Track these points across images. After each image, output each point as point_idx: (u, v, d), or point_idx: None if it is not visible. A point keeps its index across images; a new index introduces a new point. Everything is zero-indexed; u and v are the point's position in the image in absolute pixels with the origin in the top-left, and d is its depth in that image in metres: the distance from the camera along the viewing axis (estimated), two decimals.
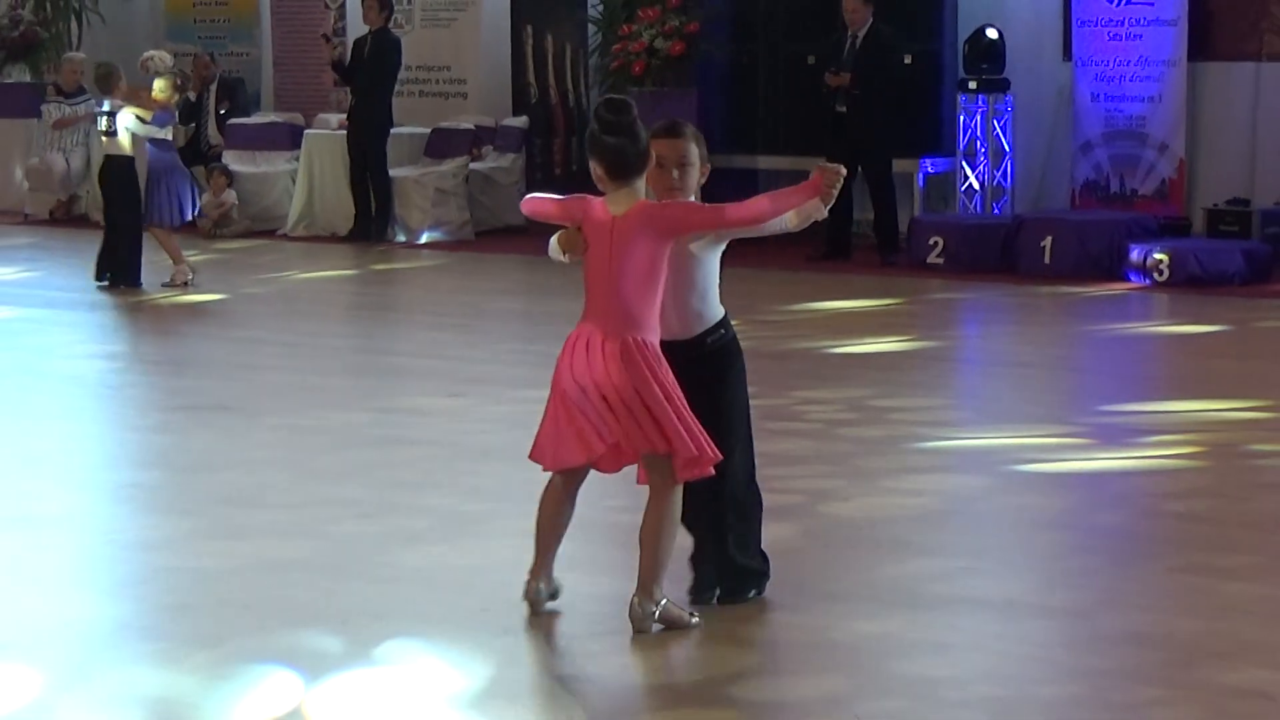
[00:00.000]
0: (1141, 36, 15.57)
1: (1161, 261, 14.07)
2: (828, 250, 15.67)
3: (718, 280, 6.17)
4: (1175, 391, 10.49)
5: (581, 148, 18.34)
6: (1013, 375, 11.03)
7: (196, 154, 18.39)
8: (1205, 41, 15.58)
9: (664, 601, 6.00)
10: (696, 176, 6.14)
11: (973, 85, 16.06)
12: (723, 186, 18.98)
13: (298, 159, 18.30)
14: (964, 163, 16.23)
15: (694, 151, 6.10)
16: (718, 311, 6.19)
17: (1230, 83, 15.54)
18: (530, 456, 6.09)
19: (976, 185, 16.20)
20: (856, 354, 11.35)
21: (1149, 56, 15.56)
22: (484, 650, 5.80)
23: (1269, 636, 5.89)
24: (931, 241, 15.20)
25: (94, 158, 19.23)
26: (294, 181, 18.27)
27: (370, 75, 17.35)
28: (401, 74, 18.36)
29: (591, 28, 17.69)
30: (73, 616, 6.22)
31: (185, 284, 14.26)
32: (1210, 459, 8.48)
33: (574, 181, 18.05)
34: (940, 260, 15.10)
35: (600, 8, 17.49)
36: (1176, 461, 8.46)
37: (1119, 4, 15.64)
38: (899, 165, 15.72)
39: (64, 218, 19.38)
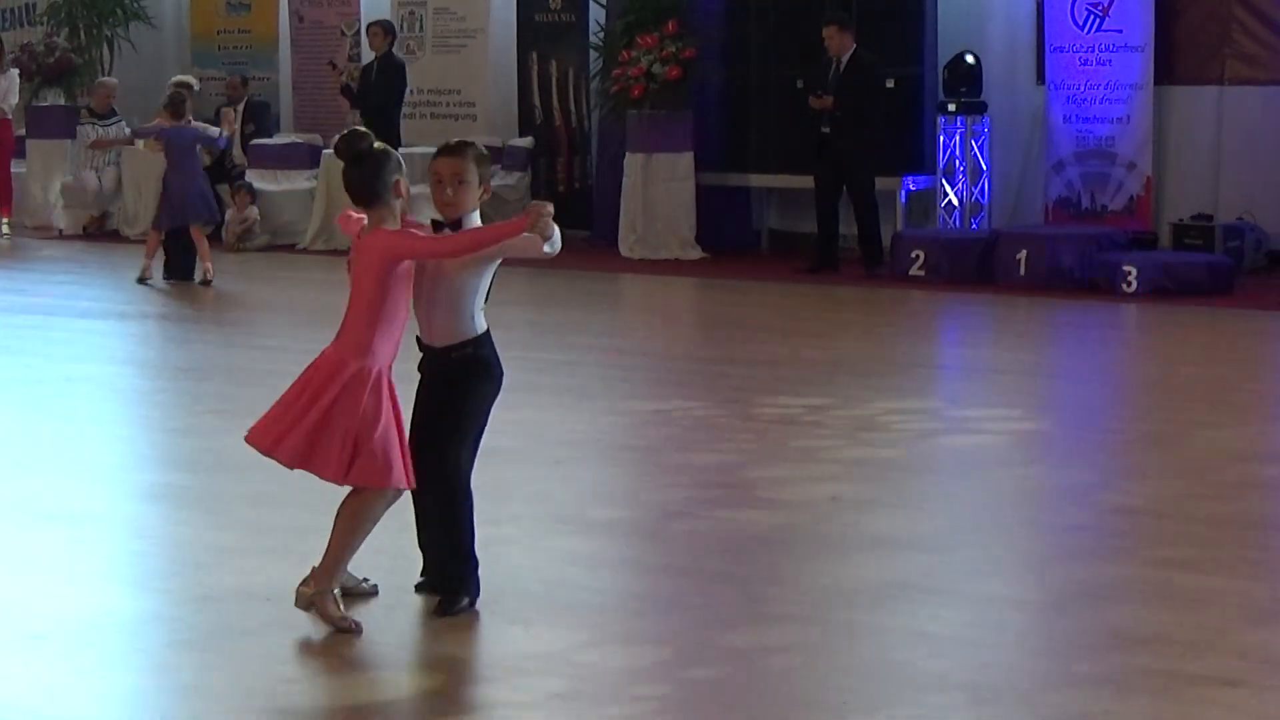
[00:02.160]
0: (1111, 62, 15.59)
1: (1130, 273, 14.09)
2: (816, 263, 15.69)
3: (477, 301, 6.07)
4: (1143, 396, 10.49)
5: (585, 165, 18.37)
6: (989, 380, 11.01)
7: (222, 172, 18.38)
8: (1171, 67, 15.59)
9: (332, 592, 5.84)
10: (475, 195, 6.02)
11: (952, 107, 16.09)
12: (717, 202, 18.79)
13: (316, 177, 18.31)
14: (944, 180, 16.23)
15: (471, 170, 5.99)
16: (471, 329, 6.07)
17: (1194, 105, 15.55)
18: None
19: (955, 202, 16.21)
20: (837, 359, 11.35)
21: (1118, 80, 15.58)
22: (491, 631, 5.82)
23: (1231, 627, 5.89)
24: (913, 255, 15.21)
25: (126, 176, 19.29)
26: (313, 198, 18.28)
27: (377, 98, 17.36)
28: (414, 97, 18.37)
29: (593, 54, 17.68)
30: (105, 608, 6.22)
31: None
32: (1176, 459, 8.47)
33: (577, 197, 18.07)
34: (922, 272, 15.11)
35: (601, 35, 17.49)
36: (1144, 462, 8.45)
37: (1089, 31, 15.66)
38: (882, 183, 15.72)
39: (96, 233, 19.40)
